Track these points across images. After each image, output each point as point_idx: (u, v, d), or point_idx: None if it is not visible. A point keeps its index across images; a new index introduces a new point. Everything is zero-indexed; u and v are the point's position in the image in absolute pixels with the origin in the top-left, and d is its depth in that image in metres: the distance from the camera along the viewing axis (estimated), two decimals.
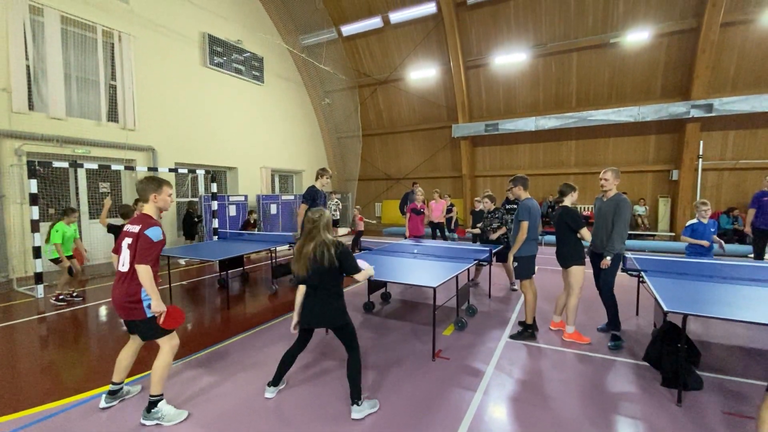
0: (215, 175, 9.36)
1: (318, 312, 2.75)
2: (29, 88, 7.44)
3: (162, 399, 2.69)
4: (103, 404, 2.89)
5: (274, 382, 3.03)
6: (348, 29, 13.45)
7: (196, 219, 8.97)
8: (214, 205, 9.05)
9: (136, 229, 2.63)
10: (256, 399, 3.01)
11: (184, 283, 7.09)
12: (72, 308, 5.54)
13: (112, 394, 2.91)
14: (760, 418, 1.91)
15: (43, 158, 7.21)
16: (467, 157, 13.66)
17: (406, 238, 7.49)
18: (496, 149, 13.67)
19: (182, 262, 8.80)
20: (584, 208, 12.27)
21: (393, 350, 3.92)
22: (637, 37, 10.35)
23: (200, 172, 9.00)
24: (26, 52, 7.35)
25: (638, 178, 11.76)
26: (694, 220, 5.04)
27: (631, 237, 10.96)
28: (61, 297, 5.79)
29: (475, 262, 4.71)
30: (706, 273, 4.00)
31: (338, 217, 11.06)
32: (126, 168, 7.42)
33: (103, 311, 5.46)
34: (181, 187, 10.61)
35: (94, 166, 7.02)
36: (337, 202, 11.15)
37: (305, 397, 3.04)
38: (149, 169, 8.21)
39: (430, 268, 4.41)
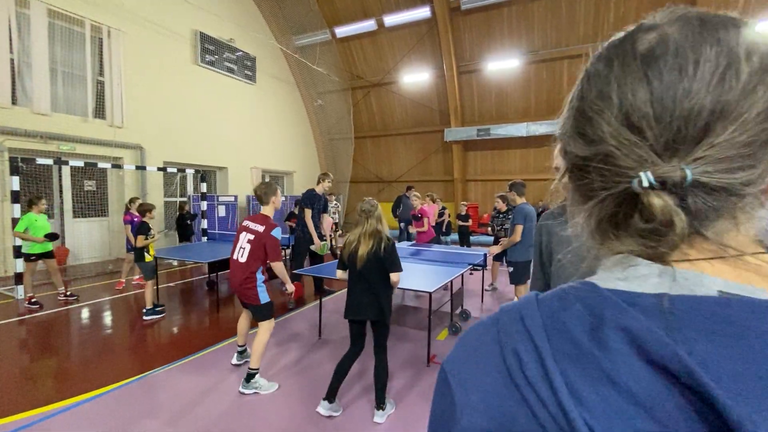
0: (205, 174, 9.21)
1: (366, 303, 2.72)
2: (13, 82, 7.22)
3: (258, 372, 3.15)
4: (234, 361, 3.57)
5: (329, 397, 2.78)
6: (342, 31, 13.43)
7: (188, 221, 8.78)
8: (204, 205, 8.90)
9: (260, 228, 3.11)
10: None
11: (171, 284, 6.93)
12: (66, 308, 5.36)
13: (241, 354, 3.60)
14: None
15: (26, 154, 6.99)
16: (459, 162, 13.73)
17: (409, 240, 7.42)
18: (488, 154, 13.78)
19: (174, 263, 8.61)
20: None
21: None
22: None
23: (189, 172, 8.84)
24: (11, 45, 7.13)
25: None
26: None
27: None
28: (33, 300, 5.44)
29: (469, 267, 4.70)
30: None
31: (338, 220, 10.98)
32: (113, 166, 7.25)
33: (102, 311, 5.30)
34: (170, 187, 10.41)
35: (80, 163, 6.83)
36: (336, 204, 11.09)
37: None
38: (137, 167, 8.04)
39: (424, 272, 4.39)
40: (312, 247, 5.33)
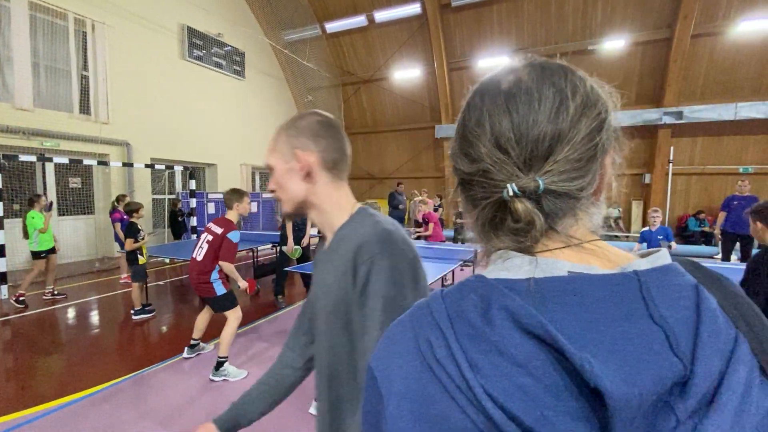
0: (194, 171, 9.10)
1: None
2: None
3: (227, 360, 3.35)
4: (185, 354, 3.73)
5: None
6: (332, 26, 13.33)
7: (180, 218, 8.67)
8: (193, 202, 8.80)
9: (219, 230, 3.36)
10: None
11: (161, 283, 6.86)
12: (53, 307, 5.27)
13: (192, 347, 3.77)
14: None
15: (9, 151, 6.83)
16: (449, 158, 13.79)
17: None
18: None
19: (166, 260, 8.51)
20: None
21: None
22: (614, 44, 10.71)
23: (178, 169, 8.73)
24: None
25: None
26: (646, 228, 5.29)
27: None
28: (21, 298, 5.39)
29: (460, 262, 4.76)
30: None
31: None
32: (99, 163, 7.12)
33: (88, 310, 5.23)
34: (158, 183, 10.27)
35: (65, 160, 6.69)
36: None
37: None
38: (124, 164, 7.91)
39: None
40: (283, 249, 5.27)
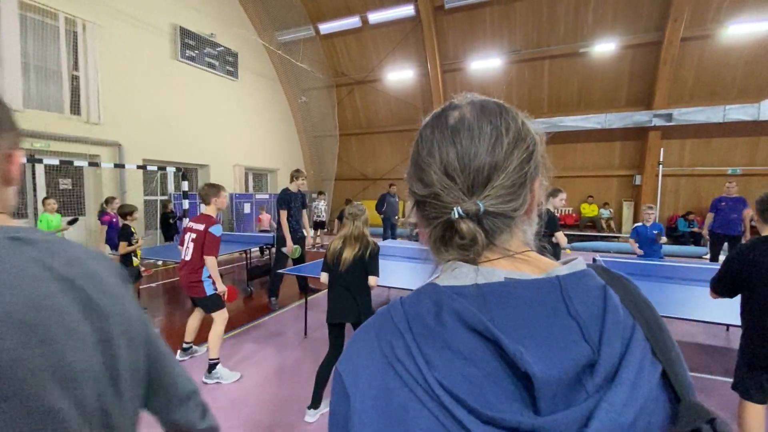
0: (186, 172, 9.05)
1: (348, 306, 2.78)
2: None
3: (219, 362, 3.36)
4: (178, 357, 3.63)
5: (315, 404, 2.80)
6: (326, 27, 13.32)
7: (171, 220, 8.61)
8: (185, 204, 8.73)
9: (201, 227, 3.33)
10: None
11: (152, 285, 6.82)
12: None
13: (185, 351, 3.77)
14: (740, 417, 2.13)
15: None
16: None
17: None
18: None
19: (159, 263, 8.45)
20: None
21: None
22: (605, 47, 10.83)
23: (170, 170, 8.67)
24: None
25: (604, 183, 12.32)
26: (639, 223, 5.37)
27: (596, 239, 11.47)
28: None
29: None
30: (668, 275, 4.25)
31: (324, 219, 10.95)
32: (90, 164, 7.05)
33: None
34: (150, 185, 10.19)
35: (55, 161, 6.62)
36: (324, 203, 11.05)
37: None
38: (116, 165, 7.85)
39: (408, 269, 4.45)
40: (284, 250, 5.25)
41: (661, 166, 10.85)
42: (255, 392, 3.17)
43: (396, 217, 9.85)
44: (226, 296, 3.48)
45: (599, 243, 11.02)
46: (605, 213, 12.03)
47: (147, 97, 9.72)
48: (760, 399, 2.06)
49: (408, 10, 11.93)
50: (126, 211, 4.89)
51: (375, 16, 12.36)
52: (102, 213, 6.71)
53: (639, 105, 11.24)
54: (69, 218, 5.93)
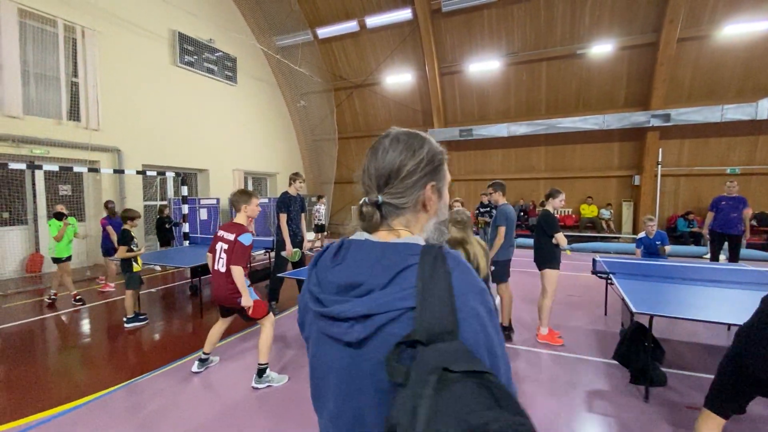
0: (185, 177, 9.05)
1: None
2: None
3: (268, 366, 3.35)
4: (195, 369, 3.58)
5: None
6: (324, 32, 13.38)
7: (167, 225, 8.59)
8: (185, 208, 8.74)
9: (231, 236, 3.26)
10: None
11: (152, 290, 6.81)
12: (44, 315, 5.20)
13: (203, 362, 3.64)
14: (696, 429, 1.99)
15: None
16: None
17: None
18: (471, 154, 13.97)
19: (157, 268, 8.44)
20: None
21: None
22: (602, 49, 10.88)
23: (169, 174, 8.68)
24: None
25: (603, 183, 12.33)
26: (642, 234, 5.53)
27: (596, 239, 11.46)
28: (78, 297, 5.84)
29: None
30: (669, 275, 4.25)
31: (324, 222, 10.94)
32: (90, 170, 7.06)
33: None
34: (149, 189, 10.19)
35: (55, 167, 6.62)
36: (324, 207, 11.05)
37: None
38: (115, 171, 7.86)
39: None
40: (283, 254, 5.24)
41: (659, 166, 10.87)
42: (282, 393, 3.16)
43: None
44: (251, 311, 3.26)
45: (599, 243, 11.02)
46: (606, 213, 12.03)
47: (146, 102, 9.74)
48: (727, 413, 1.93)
49: (405, 14, 11.99)
50: (128, 216, 4.89)
51: (373, 20, 12.42)
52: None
53: (637, 106, 11.28)
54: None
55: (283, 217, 5.33)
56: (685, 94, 10.80)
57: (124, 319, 4.86)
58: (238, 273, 3.19)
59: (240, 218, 3.36)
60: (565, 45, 11.39)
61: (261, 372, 3.29)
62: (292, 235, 5.43)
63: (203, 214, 10.78)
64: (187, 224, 8.69)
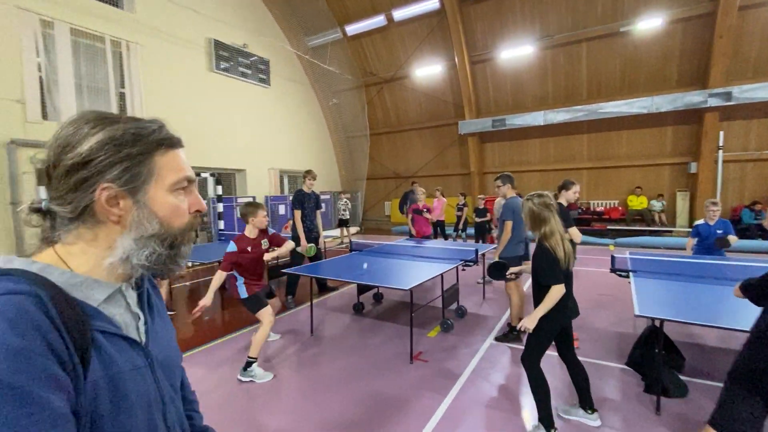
0: (223, 177, 9.56)
1: (574, 305, 2.63)
2: (42, 98, 7.79)
3: (256, 361, 3.42)
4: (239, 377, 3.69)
5: (551, 423, 2.48)
6: (352, 29, 13.45)
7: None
8: (220, 207, 9.25)
9: None
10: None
11: (187, 283, 7.29)
12: None
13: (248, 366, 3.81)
14: None
15: None
16: (475, 154, 13.45)
17: (411, 236, 7.46)
18: (506, 145, 13.40)
19: (188, 263, 9.02)
20: (597, 203, 11.87)
21: (374, 351, 3.91)
22: (649, 24, 9.90)
23: (205, 175, 9.21)
24: (39, 64, 7.70)
25: (654, 172, 11.28)
26: (701, 221, 4.65)
27: (645, 233, 10.54)
28: None
29: (461, 262, 4.63)
30: (726, 276, 3.56)
31: (348, 217, 11.09)
32: None
33: None
34: None
35: None
36: (345, 201, 11.18)
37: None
38: None
39: (410, 268, 4.37)
40: (298, 249, 5.37)
41: (720, 151, 9.73)
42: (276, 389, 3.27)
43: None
44: (195, 310, 3.16)
45: (648, 238, 10.13)
46: (657, 205, 11.01)
47: (186, 108, 10.40)
48: None
49: (433, 4, 11.71)
50: None
51: (400, 13, 12.27)
52: None
53: (692, 85, 10.15)
54: None
55: (298, 213, 5.47)
56: (749, 69, 9.54)
57: None
58: (216, 276, 3.42)
59: (247, 230, 3.59)
60: (606, 23, 10.51)
61: (247, 365, 3.40)
62: (306, 231, 5.57)
63: (239, 212, 11.34)
64: (223, 222, 9.20)
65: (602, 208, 11.72)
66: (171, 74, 10.05)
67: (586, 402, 2.64)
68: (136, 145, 0.60)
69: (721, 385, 3.06)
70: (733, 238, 4.27)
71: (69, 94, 8.09)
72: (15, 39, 7.36)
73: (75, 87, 8.23)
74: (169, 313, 4.47)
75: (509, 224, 4.01)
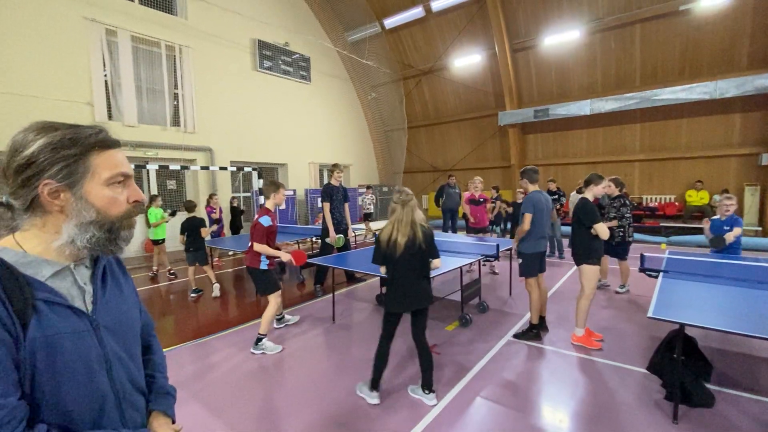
0: (266, 171, 10.09)
1: (412, 294, 2.79)
2: (108, 100, 8.67)
3: (266, 336, 3.85)
4: (275, 325, 4.40)
5: (375, 386, 2.91)
6: (390, 22, 13.45)
7: (234, 215, 9.71)
8: (261, 199, 9.77)
9: (256, 217, 3.83)
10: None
11: (225, 271, 7.84)
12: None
13: (279, 320, 4.51)
14: None
15: None
16: (516, 146, 12.99)
17: (468, 228, 7.50)
18: (549, 136, 12.80)
19: (230, 252, 9.63)
20: (651, 199, 11.02)
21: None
22: (714, 1, 8.94)
23: (248, 169, 9.78)
24: (104, 69, 8.56)
25: (719, 164, 10.24)
26: (716, 216, 4.59)
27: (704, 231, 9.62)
28: (172, 271, 7.28)
29: (481, 257, 4.58)
30: (756, 278, 3.35)
31: (372, 211, 11.21)
32: (182, 167, 8.36)
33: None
34: (233, 183, 11.59)
35: (156, 166, 8.03)
36: (372, 196, 11.27)
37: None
38: (202, 168, 9.14)
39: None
40: (327, 240, 5.56)
41: None
42: (290, 362, 3.52)
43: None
44: (294, 262, 3.95)
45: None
46: (716, 198, 9.98)
47: (232, 106, 11.05)
48: None
49: None
50: (193, 205, 5.81)
51: (438, 3, 12.08)
52: (207, 205, 8.39)
53: (764, 67, 9.06)
54: (170, 211, 7.22)
55: (327, 206, 5.69)
56: None
57: (194, 289, 5.86)
58: (259, 248, 3.74)
59: (268, 203, 3.91)
60: (664, 1, 9.64)
61: (258, 340, 3.81)
62: (335, 222, 5.77)
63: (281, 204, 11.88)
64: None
65: (656, 204, 10.87)
66: (218, 75, 10.71)
67: (426, 383, 2.89)
68: (72, 148, 0.72)
69: (754, 396, 2.84)
70: (729, 236, 4.18)
71: (130, 95, 8.93)
72: (84, 47, 8.23)
73: (135, 89, 9.05)
74: (194, 293, 4.87)
75: (528, 216, 3.91)
